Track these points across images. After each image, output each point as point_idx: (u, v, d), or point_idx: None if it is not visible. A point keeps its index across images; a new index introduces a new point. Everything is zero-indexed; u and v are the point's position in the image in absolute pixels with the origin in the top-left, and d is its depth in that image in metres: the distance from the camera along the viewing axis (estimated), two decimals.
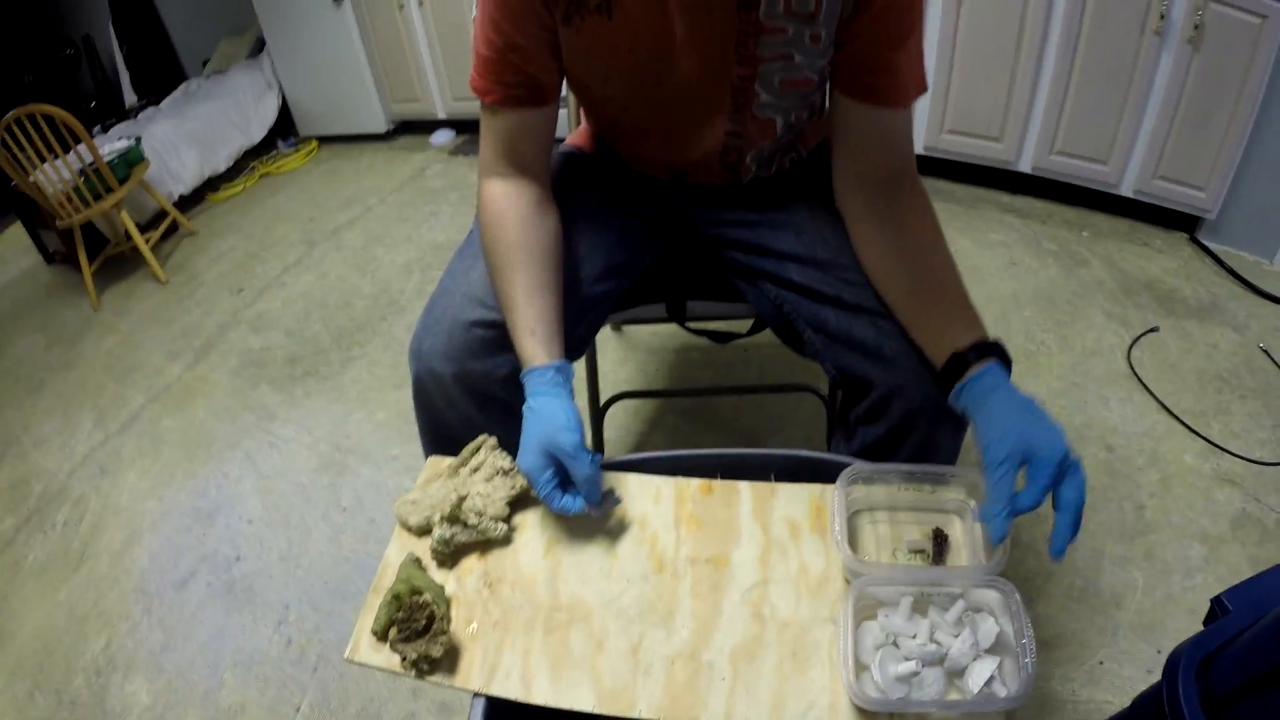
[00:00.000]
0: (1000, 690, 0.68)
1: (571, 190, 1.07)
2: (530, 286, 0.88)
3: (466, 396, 0.95)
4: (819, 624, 0.75)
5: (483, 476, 0.86)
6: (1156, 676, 1.23)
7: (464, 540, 0.83)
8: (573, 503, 0.82)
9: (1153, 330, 2.02)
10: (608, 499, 0.83)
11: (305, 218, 3.12)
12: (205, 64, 3.95)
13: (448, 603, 0.78)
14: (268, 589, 1.61)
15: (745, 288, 1.13)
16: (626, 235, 1.10)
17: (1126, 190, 2.38)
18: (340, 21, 3.28)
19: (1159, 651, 1.31)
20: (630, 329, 2.18)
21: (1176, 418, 1.75)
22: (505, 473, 0.86)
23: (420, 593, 0.76)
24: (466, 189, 3.10)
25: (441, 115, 3.46)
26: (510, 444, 0.91)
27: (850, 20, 0.84)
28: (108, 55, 3.87)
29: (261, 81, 3.66)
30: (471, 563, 0.83)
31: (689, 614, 0.76)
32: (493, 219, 0.93)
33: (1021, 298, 2.15)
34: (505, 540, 0.84)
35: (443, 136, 3.52)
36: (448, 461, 0.90)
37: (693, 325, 1.28)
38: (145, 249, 2.79)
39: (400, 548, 0.86)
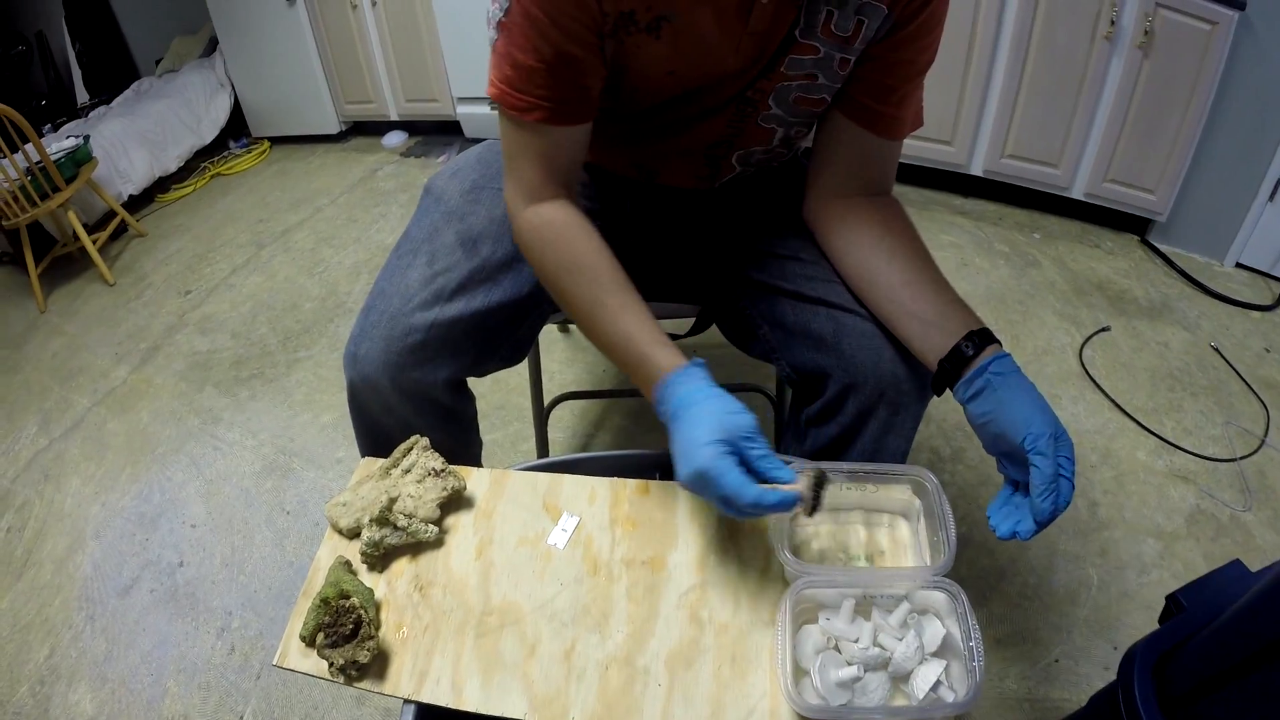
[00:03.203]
0: (948, 695, 0.66)
1: None
2: (633, 301, 0.81)
3: (405, 402, 0.92)
4: (758, 627, 0.73)
5: (414, 478, 0.84)
6: (1114, 674, 1.22)
7: (394, 543, 0.80)
8: (768, 493, 0.67)
9: (1104, 330, 2.03)
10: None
11: (255, 219, 3.06)
12: (158, 63, 3.87)
13: (377, 607, 0.75)
14: (210, 595, 1.57)
15: (700, 285, 1.11)
16: None
17: (1078, 193, 2.41)
18: (293, 22, 3.22)
19: (1115, 648, 1.32)
20: (577, 330, 2.16)
21: (1129, 415, 1.76)
22: (437, 474, 0.83)
23: (348, 596, 0.74)
24: (416, 190, 3.02)
25: (394, 117, 3.42)
26: (448, 447, 0.88)
27: (876, 43, 0.82)
28: (60, 52, 3.78)
29: (214, 81, 3.59)
30: (402, 565, 0.80)
31: (624, 617, 0.74)
32: (562, 242, 0.84)
33: (973, 298, 2.16)
34: (436, 542, 0.81)
35: (395, 138, 3.48)
36: (380, 463, 0.87)
37: None
38: (93, 250, 2.71)
39: (331, 550, 0.83)
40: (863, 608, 0.72)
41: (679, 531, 0.81)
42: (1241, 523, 1.51)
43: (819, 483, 0.71)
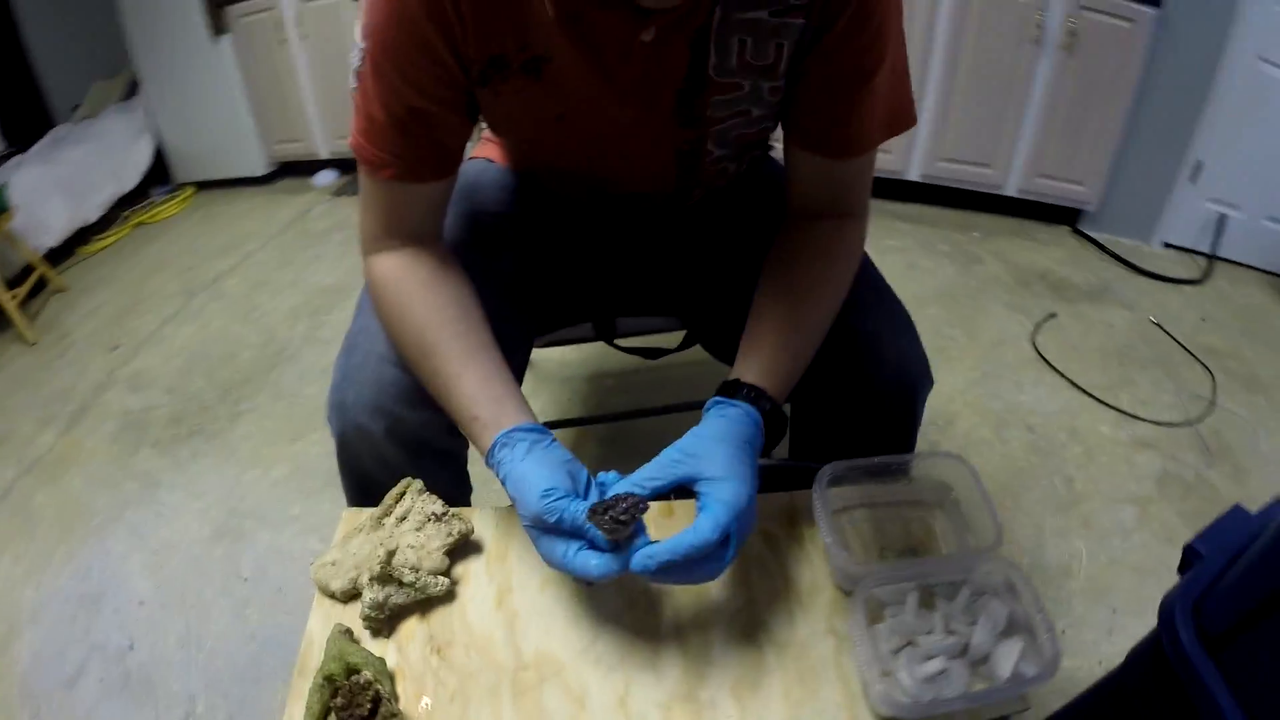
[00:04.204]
0: (1028, 670, 0.65)
1: (484, 212, 0.97)
2: (458, 364, 0.74)
3: (401, 451, 0.83)
4: (818, 638, 0.69)
5: (412, 525, 0.76)
6: (1118, 636, 1.29)
7: (400, 601, 0.72)
8: (605, 563, 0.63)
9: (1052, 316, 2.11)
10: (628, 536, 0.64)
11: (183, 267, 2.92)
12: (76, 109, 3.67)
13: (391, 678, 0.67)
14: (168, 679, 1.43)
15: (680, 298, 1.07)
16: (547, 264, 1.01)
17: (1011, 190, 2.49)
18: (219, 59, 3.11)
19: (1114, 611, 1.36)
20: (539, 360, 2.09)
21: (1087, 393, 1.83)
22: (438, 518, 0.76)
23: (358, 670, 0.65)
24: (351, 229, 2.94)
25: (324, 155, 3.33)
26: (444, 493, 0.80)
27: (804, 58, 0.73)
28: None
29: (135, 125, 3.42)
30: (412, 626, 0.72)
31: (676, 651, 0.69)
32: (390, 300, 0.78)
33: (924, 298, 2.22)
34: (449, 596, 0.74)
35: (326, 177, 3.37)
36: (368, 513, 0.79)
37: (622, 343, 1.21)
38: (11, 307, 2.52)
39: (324, 619, 0.73)
40: (925, 599, 0.70)
41: None
42: (1206, 480, 1.61)
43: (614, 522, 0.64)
